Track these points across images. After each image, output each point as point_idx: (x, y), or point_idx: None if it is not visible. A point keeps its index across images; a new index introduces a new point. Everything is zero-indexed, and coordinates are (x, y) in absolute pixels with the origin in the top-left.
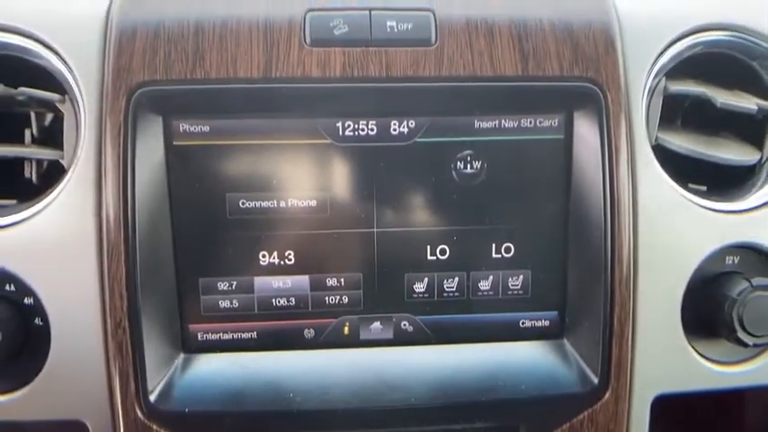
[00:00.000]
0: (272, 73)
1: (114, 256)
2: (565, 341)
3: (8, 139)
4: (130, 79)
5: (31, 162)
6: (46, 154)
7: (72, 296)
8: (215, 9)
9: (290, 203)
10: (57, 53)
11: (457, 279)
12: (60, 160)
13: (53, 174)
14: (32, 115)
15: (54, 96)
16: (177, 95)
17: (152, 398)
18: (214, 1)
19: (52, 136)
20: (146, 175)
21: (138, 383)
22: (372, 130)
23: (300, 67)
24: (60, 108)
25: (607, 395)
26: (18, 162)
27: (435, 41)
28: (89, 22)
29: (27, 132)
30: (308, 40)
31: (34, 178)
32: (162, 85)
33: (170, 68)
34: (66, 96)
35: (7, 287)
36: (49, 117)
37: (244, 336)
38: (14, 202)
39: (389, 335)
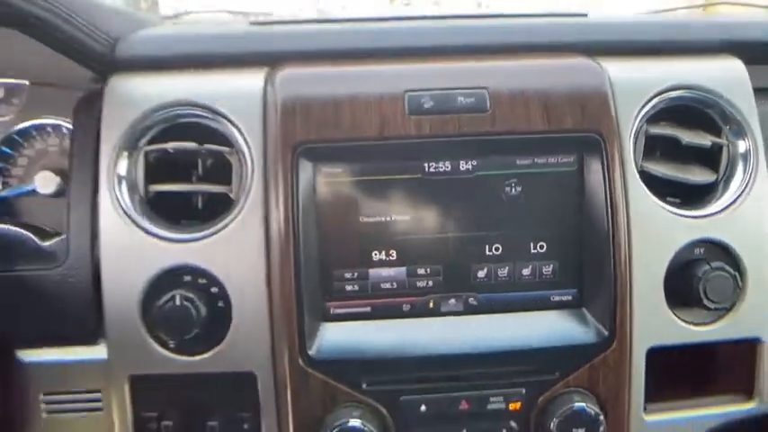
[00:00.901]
0: (384, 133)
1: (285, 258)
2: (584, 309)
3: (176, 177)
4: (293, 139)
5: (200, 194)
6: (218, 189)
7: (247, 285)
8: (346, 90)
9: (393, 218)
10: (230, 120)
11: (507, 268)
12: (229, 193)
13: (216, 203)
14: (199, 161)
15: (225, 149)
16: (323, 149)
17: (310, 352)
18: (344, 85)
19: (211, 173)
20: (302, 201)
21: (301, 343)
22: (448, 168)
23: (403, 129)
24: (228, 157)
25: (614, 344)
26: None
27: (489, 109)
28: (251, 99)
29: (194, 172)
30: (407, 111)
31: (200, 205)
32: (314, 143)
33: (319, 131)
34: (233, 149)
35: (200, 280)
36: (209, 161)
37: (361, 310)
38: (198, 222)
39: (461, 308)
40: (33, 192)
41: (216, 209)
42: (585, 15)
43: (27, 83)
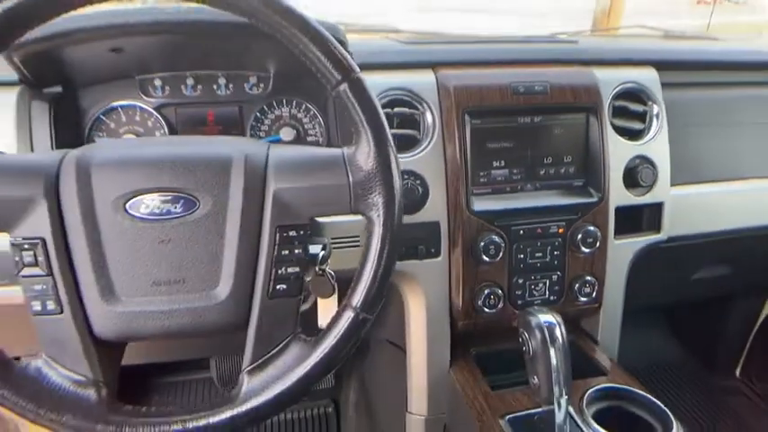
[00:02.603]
0: (503, 103)
1: (460, 165)
2: (589, 188)
3: None
4: (462, 106)
5: (396, 136)
6: (411, 133)
7: (435, 178)
8: (485, 82)
9: (502, 144)
10: (421, 97)
11: (553, 168)
12: (417, 135)
13: (403, 141)
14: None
15: (417, 111)
16: (475, 111)
17: (473, 207)
18: (484, 79)
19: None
20: (465, 139)
21: (467, 203)
22: (528, 120)
23: (511, 101)
24: (417, 117)
25: (603, 203)
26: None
27: (549, 92)
28: (431, 86)
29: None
30: (512, 92)
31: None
32: (471, 108)
33: (473, 101)
34: (420, 111)
35: (412, 179)
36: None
37: (486, 191)
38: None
39: (533, 189)
40: (279, 140)
41: (401, 145)
42: (577, 42)
43: (271, 74)
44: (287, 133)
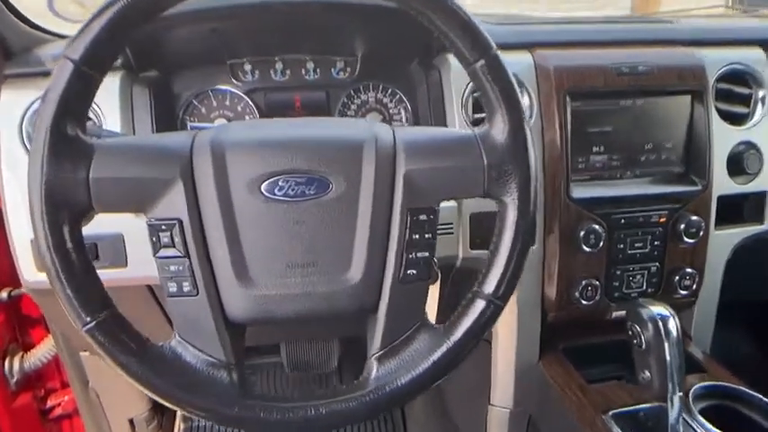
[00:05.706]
0: (606, 84)
1: (561, 148)
2: (690, 175)
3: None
4: (563, 87)
5: None
6: None
7: None
8: (587, 62)
9: (600, 129)
10: (518, 78)
11: (654, 155)
12: None
13: None
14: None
15: None
16: (574, 93)
17: (572, 194)
18: (584, 59)
19: None
20: (566, 122)
21: (566, 190)
22: (628, 103)
23: (612, 84)
24: None
25: (705, 192)
26: None
27: (654, 74)
28: (529, 67)
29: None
30: (615, 74)
31: None
32: (571, 90)
33: (573, 83)
34: None
35: None
36: None
37: (584, 177)
38: None
39: (632, 175)
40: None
41: None
42: (671, 22)
43: (359, 57)
44: (374, 118)
